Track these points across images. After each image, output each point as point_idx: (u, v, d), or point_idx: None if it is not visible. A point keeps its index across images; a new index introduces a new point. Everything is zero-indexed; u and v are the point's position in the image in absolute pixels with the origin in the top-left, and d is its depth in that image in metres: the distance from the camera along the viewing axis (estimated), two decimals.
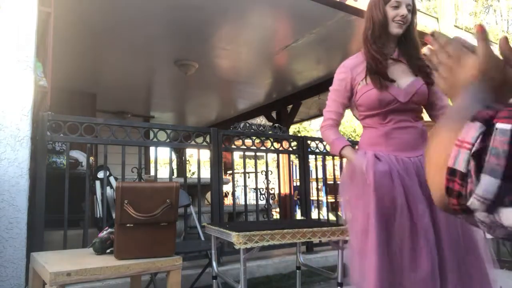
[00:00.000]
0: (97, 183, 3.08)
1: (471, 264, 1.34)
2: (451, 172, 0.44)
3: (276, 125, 3.88)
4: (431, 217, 1.37)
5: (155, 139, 3.10)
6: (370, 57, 1.53)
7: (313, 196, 5.58)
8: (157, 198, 1.66)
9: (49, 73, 2.66)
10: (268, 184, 3.72)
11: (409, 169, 1.44)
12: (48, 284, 1.37)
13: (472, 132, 0.43)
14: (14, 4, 2.47)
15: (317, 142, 4.02)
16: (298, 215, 5.74)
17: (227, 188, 7.55)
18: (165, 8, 3.69)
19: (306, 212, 3.85)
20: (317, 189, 4.27)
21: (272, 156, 9.23)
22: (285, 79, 5.98)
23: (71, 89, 5.64)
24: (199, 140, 3.38)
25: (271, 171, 3.75)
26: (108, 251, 1.71)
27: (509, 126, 0.40)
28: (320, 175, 4.16)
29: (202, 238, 2.78)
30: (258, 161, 3.90)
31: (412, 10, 1.55)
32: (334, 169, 4.32)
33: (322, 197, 4.82)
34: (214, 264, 2.29)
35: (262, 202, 3.90)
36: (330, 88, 1.66)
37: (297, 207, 6.88)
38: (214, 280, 2.32)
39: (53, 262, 1.52)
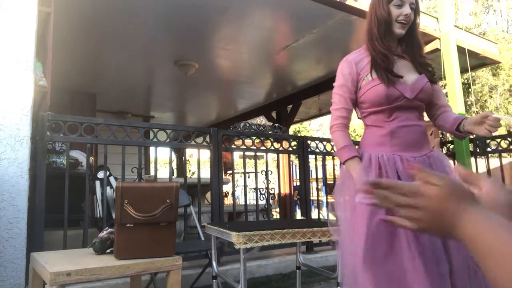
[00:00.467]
0: (97, 183, 3.08)
1: (477, 265, 1.34)
2: None
3: (276, 125, 3.88)
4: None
5: (155, 139, 3.10)
6: (377, 54, 1.50)
7: (313, 196, 5.58)
8: (157, 198, 1.66)
9: (49, 73, 2.66)
10: (268, 184, 3.73)
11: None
12: (48, 284, 1.37)
13: None
14: (14, 4, 2.47)
15: (317, 142, 4.02)
16: (298, 215, 5.74)
17: (227, 188, 7.56)
18: (165, 8, 3.69)
19: (306, 212, 3.85)
20: (317, 189, 4.27)
21: (272, 156, 9.24)
22: (285, 79, 5.98)
23: (71, 89, 5.65)
24: (199, 140, 3.38)
25: (271, 171, 3.75)
26: (108, 251, 1.71)
27: None
28: (320, 175, 4.16)
29: (202, 238, 2.78)
30: (258, 161, 3.90)
31: (415, 9, 1.54)
32: (334, 169, 4.32)
33: (322, 197, 4.81)
34: (214, 264, 2.29)
35: (262, 202, 3.90)
36: (335, 84, 1.60)
37: (297, 207, 6.88)
38: (214, 280, 2.32)
39: (53, 262, 1.52)
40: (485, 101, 14.02)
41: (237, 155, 7.94)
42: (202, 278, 2.72)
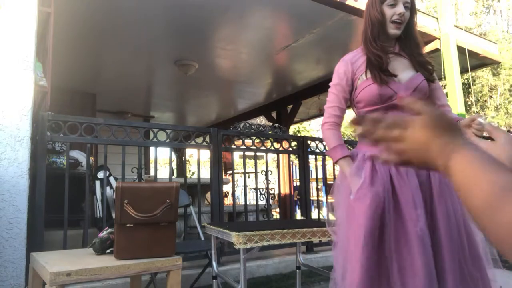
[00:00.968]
0: (97, 183, 3.08)
1: (473, 266, 1.33)
2: None
3: (276, 125, 3.88)
4: (431, 219, 1.35)
5: (155, 139, 3.10)
6: (371, 54, 1.51)
7: (313, 196, 5.58)
8: (157, 198, 1.66)
9: (49, 73, 2.66)
10: (268, 184, 3.73)
11: (409, 169, 1.41)
12: (48, 284, 1.37)
13: None
14: (14, 4, 2.47)
15: (317, 142, 4.03)
16: (298, 215, 5.74)
17: (227, 188, 7.55)
18: (165, 8, 3.69)
19: (306, 212, 3.85)
20: (317, 189, 4.27)
21: (272, 156, 9.24)
22: (285, 79, 5.98)
23: (71, 89, 5.65)
24: (199, 140, 3.38)
25: (271, 171, 3.75)
26: (108, 251, 1.71)
27: None
28: (320, 175, 4.16)
29: (202, 238, 2.78)
30: (258, 161, 3.90)
31: (411, 8, 1.54)
32: (334, 169, 4.32)
33: (322, 197, 4.81)
34: (214, 264, 2.29)
35: (262, 202, 3.90)
36: (331, 83, 1.61)
37: (297, 207, 6.88)
38: (214, 280, 2.32)
39: (53, 262, 1.52)
40: (485, 101, 14.01)
41: (237, 155, 7.94)
42: (202, 278, 2.72)
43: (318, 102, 6.57)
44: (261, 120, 7.70)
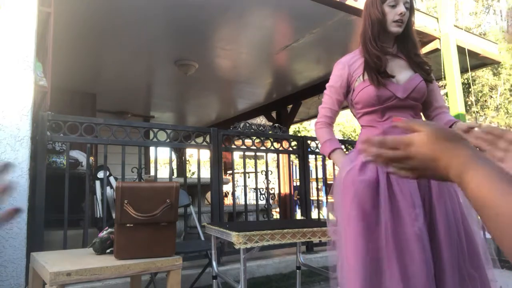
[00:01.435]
0: (97, 183, 3.08)
1: (471, 266, 1.32)
2: None
3: (276, 125, 3.88)
4: (430, 219, 1.35)
5: (155, 139, 3.10)
6: (370, 55, 1.50)
7: (313, 196, 5.58)
8: (157, 198, 1.66)
9: (49, 73, 2.66)
10: (268, 184, 3.73)
11: None
12: (48, 284, 1.37)
13: None
14: (14, 4, 2.47)
15: (317, 142, 4.02)
16: (298, 215, 5.74)
17: (227, 188, 7.56)
18: (165, 8, 3.69)
19: (306, 212, 3.86)
20: (317, 189, 4.27)
21: (272, 156, 9.23)
22: (285, 79, 5.98)
23: (71, 89, 5.65)
24: (199, 140, 3.38)
25: (271, 171, 3.75)
26: (108, 251, 1.71)
27: None
28: (320, 175, 4.16)
29: (202, 238, 2.78)
30: (258, 161, 3.90)
31: (410, 7, 1.53)
32: (334, 169, 4.32)
33: (322, 197, 4.81)
34: (214, 264, 2.29)
35: (262, 202, 3.90)
36: (327, 84, 1.64)
37: (297, 207, 6.88)
38: (214, 280, 2.32)
39: (53, 262, 1.52)
40: (485, 101, 14.01)
41: (237, 155, 7.95)
42: (202, 278, 2.72)
43: (318, 102, 6.51)
44: (261, 120, 7.71)
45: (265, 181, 3.71)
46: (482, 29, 16.93)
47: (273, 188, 4.88)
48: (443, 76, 4.38)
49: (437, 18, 4.54)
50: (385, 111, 1.49)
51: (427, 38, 4.37)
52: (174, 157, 9.48)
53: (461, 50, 4.51)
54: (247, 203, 3.68)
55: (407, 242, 1.29)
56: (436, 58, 4.44)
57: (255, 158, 3.79)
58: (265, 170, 3.66)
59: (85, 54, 4.69)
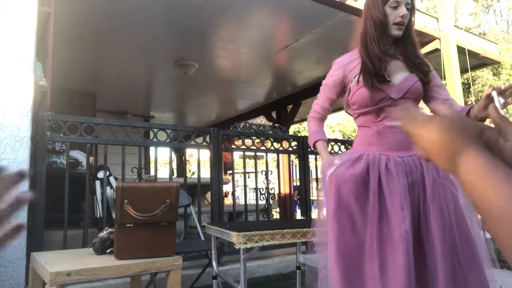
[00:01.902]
0: (97, 183, 3.08)
1: (467, 266, 1.31)
2: None
3: (276, 125, 3.88)
4: (424, 219, 1.34)
5: (155, 139, 3.10)
6: (371, 55, 1.49)
7: (313, 196, 5.58)
8: (157, 198, 1.66)
9: (49, 73, 2.67)
10: (268, 184, 3.73)
11: (400, 168, 1.39)
12: (48, 284, 1.38)
13: None
14: (14, 4, 2.47)
15: None
16: (298, 215, 5.74)
17: (227, 188, 7.55)
18: (165, 8, 3.69)
19: (306, 212, 3.85)
20: (317, 189, 4.27)
21: (272, 156, 9.23)
22: (285, 79, 5.98)
23: (71, 89, 5.64)
24: (199, 140, 3.38)
25: (271, 171, 3.75)
26: (108, 251, 1.71)
27: None
28: (320, 175, 4.16)
29: (202, 238, 2.79)
30: (258, 161, 3.90)
31: (411, 8, 1.52)
32: None
33: (322, 197, 4.80)
34: (214, 264, 2.29)
35: (262, 202, 3.90)
36: (322, 81, 1.68)
37: (297, 207, 6.87)
38: (214, 280, 2.32)
39: (53, 262, 1.52)
40: None
41: (237, 155, 7.94)
42: (202, 278, 2.72)
43: None
44: (261, 120, 7.70)
45: (265, 181, 3.71)
46: (482, 29, 16.93)
47: (273, 188, 4.88)
48: (443, 76, 4.38)
49: (437, 18, 4.54)
50: (379, 111, 1.48)
51: (427, 38, 4.37)
52: (174, 157, 9.48)
53: (461, 50, 4.51)
54: (247, 203, 3.68)
55: (392, 244, 1.28)
56: (436, 58, 4.44)
57: (255, 158, 3.79)
58: (265, 170, 3.66)
59: (85, 54, 4.69)
